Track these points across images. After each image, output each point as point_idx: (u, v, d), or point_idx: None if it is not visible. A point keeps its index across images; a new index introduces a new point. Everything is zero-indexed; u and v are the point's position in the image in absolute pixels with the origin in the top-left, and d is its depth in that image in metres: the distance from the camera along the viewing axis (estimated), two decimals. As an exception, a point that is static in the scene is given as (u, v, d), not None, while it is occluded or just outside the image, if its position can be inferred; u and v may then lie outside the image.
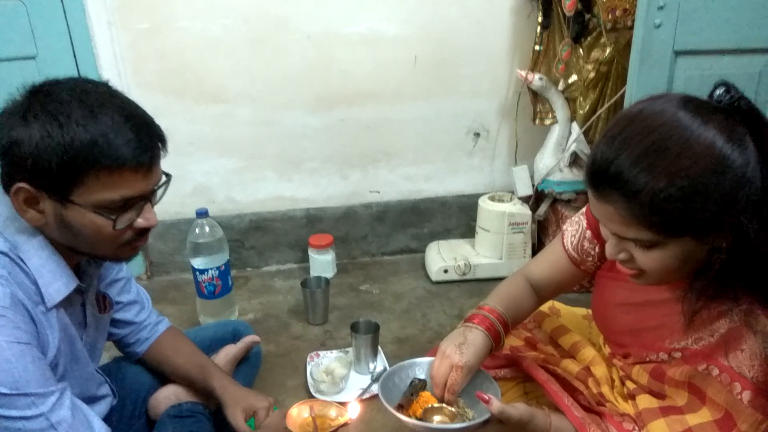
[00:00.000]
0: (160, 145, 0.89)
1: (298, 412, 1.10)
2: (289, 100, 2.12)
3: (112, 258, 0.95)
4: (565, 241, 1.09)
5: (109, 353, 1.34)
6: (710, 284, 0.81)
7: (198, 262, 1.78)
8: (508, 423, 0.93)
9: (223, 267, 1.80)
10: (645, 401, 0.94)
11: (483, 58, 2.16)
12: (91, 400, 1.02)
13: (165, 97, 2.03)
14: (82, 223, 0.85)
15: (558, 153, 2.12)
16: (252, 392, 1.20)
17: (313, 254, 2.16)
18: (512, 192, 2.24)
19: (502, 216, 2.08)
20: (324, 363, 1.59)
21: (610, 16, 1.83)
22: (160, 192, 0.93)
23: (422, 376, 1.08)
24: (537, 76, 2.03)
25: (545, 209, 2.17)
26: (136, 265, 2.20)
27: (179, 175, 2.09)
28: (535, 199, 2.21)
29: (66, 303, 0.91)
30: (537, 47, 2.06)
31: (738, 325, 0.82)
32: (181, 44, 1.99)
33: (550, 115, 2.12)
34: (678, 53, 1.58)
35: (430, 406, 1.03)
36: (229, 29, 2.00)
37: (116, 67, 1.97)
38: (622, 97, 1.80)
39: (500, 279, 1.18)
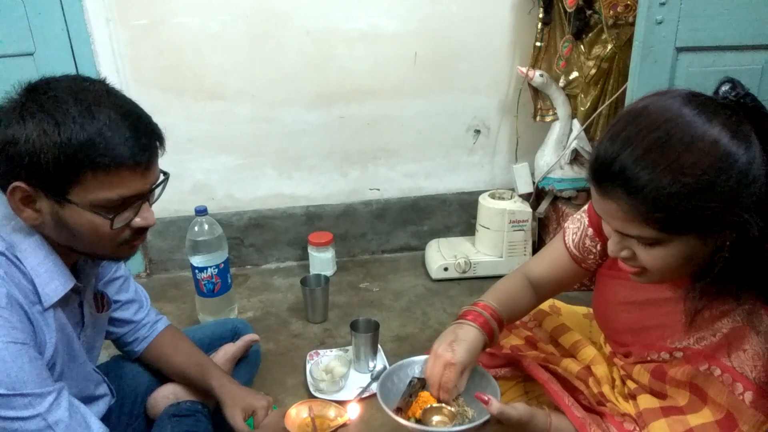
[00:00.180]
0: (157, 143, 0.88)
1: (297, 413, 1.09)
2: (289, 97, 2.11)
3: (109, 257, 0.94)
4: (566, 238, 1.08)
5: (107, 352, 1.33)
6: (713, 283, 0.81)
7: (197, 260, 1.77)
8: (507, 423, 0.92)
9: (223, 265, 1.79)
10: (646, 401, 0.94)
11: (483, 54, 2.15)
12: (89, 399, 1.02)
13: (164, 94, 2.03)
14: (80, 223, 0.84)
15: (559, 150, 2.11)
16: (251, 391, 1.19)
17: (312, 252, 2.15)
18: (513, 189, 2.23)
19: (502, 213, 2.07)
20: (323, 361, 1.58)
21: (611, 12, 1.82)
22: (158, 191, 0.92)
23: (421, 375, 1.08)
24: (538, 72, 2.02)
25: (546, 207, 2.17)
26: (135, 263, 2.19)
27: (178, 172, 2.09)
28: (535, 197, 2.20)
29: (63, 302, 0.90)
30: (538, 43, 2.05)
31: (740, 324, 0.82)
32: (179, 41, 1.98)
33: (551, 112, 2.11)
34: (680, 49, 1.57)
35: (429, 406, 1.02)
36: (228, 25, 1.99)
37: (114, 63, 1.96)
38: (624, 93, 1.79)
39: (500, 277, 1.17)
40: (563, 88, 2.07)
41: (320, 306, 1.88)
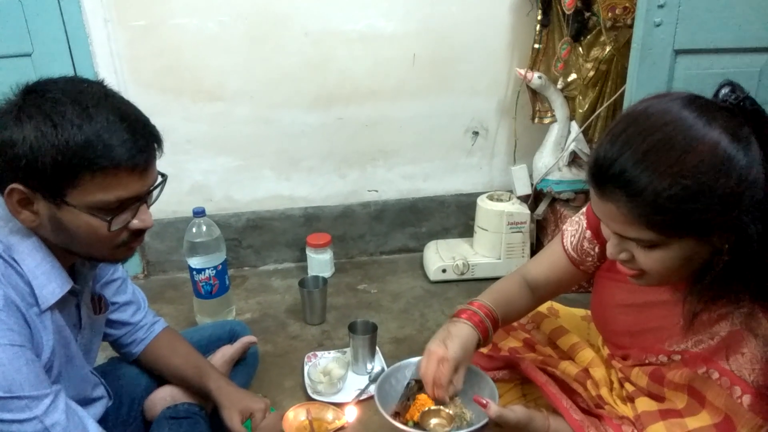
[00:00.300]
0: (155, 145, 0.88)
1: (295, 415, 1.09)
2: (287, 98, 2.11)
3: (107, 259, 0.94)
4: (564, 241, 1.08)
5: (104, 354, 1.33)
6: (711, 286, 0.81)
7: (195, 262, 1.77)
8: (506, 426, 0.92)
9: (221, 266, 1.79)
10: (644, 404, 0.94)
11: (482, 56, 2.15)
12: (86, 401, 1.02)
13: (162, 95, 2.02)
14: (77, 225, 0.84)
15: (557, 152, 2.11)
16: (249, 394, 1.19)
17: (310, 253, 2.15)
18: (511, 191, 2.23)
19: (500, 215, 2.07)
20: (321, 363, 1.58)
21: (609, 15, 1.82)
22: (155, 193, 0.92)
23: (418, 377, 1.08)
24: (536, 74, 2.02)
25: (544, 208, 2.17)
26: (132, 265, 2.19)
27: (176, 173, 2.09)
28: (533, 199, 2.20)
29: (60, 304, 0.90)
30: (536, 45, 2.05)
31: (739, 328, 0.81)
32: (178, 42, 1.97)
33: (549, 114, 2.11)
34: (678, 52, 1.57)
35: (427, 409, 1.02)
36: (227, 26, 1.98)
37: (113, 64, 1.96)
38: (622, 95, 1.79)
39: (499, 278, 1.17)
40: (561, 90, 2.07)
41: (318, 308, 1.88)
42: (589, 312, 1.23)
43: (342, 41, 2.05)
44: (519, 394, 1.14)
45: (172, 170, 0.95)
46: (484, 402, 0.93)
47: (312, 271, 2.14)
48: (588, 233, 1.04)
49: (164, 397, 1.18)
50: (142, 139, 0.84)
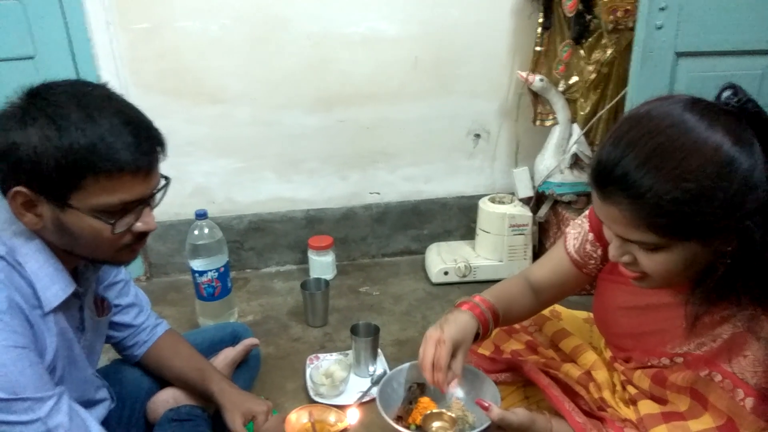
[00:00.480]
0: (159, 148, 0.88)
1: (297, 418, 1.09)
2: (289, 101, 2.11)
3: (110, 262, 0.94)
4: (567, 243, 1.08)
5: (107, 356, 1.33)
6: (714, 289, 0.81)
7: (197, 264, 1.77)
8: (508, 429, 0.92)
9: (223, 269, 1.79)
10: (646, 407, 0.94)
11: (483, 58, 2.15)
12: (89, 403, 1.02)
13: (164, 97, 2.03)
14: (81, 227, 0.84)
15: (559, 154, 2.11)
16: (251, 396, 1.19)
17: (312, 256, 2.15)
18: (513, 193, 2.23)
19: (502, 218, 2.07)
20: (323, 366, 1.58)
21: (611, 17, 1.82)
22: (158, 195, 0.92)
23: (420, 380, 1.08)
24: (538, 77, 2.02)
25: (546, 211, 2.17)
26: (135, 267, 2.19)
27: (178, 176, 2.08)
28: (535, 201, 2.20)
29: (64, 306, 0.90)
30: (538, 48, 2.05)
31: (741, 330, 0.81)
32: (179, 44, 1.98)
33: (551, 117, 2.11)
34: (679, 54, 1.57)
35: (429, 412, 1.02)
36: (228, 29, 1.99)
37: (115, 67, 1.96)
38: (624, 98, 1.79)
39: (500, 281, 1.17)
40: (563, 93, 2.07)
41: (320, 310, 1.88)
42: (591, 315, 1.22)
43: (343, 44, 2.06)
44: (521, 397, 1.14)
45: (173, 172, 0.95)
46: (487, 405, 0.93)
47: (314, 274, 2.14)
48: (590, 236, 1.04)
49: (166, 399, 1.19)
50: (145, 142, 0.84)
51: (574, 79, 2.02)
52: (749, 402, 0.79)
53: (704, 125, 0.74)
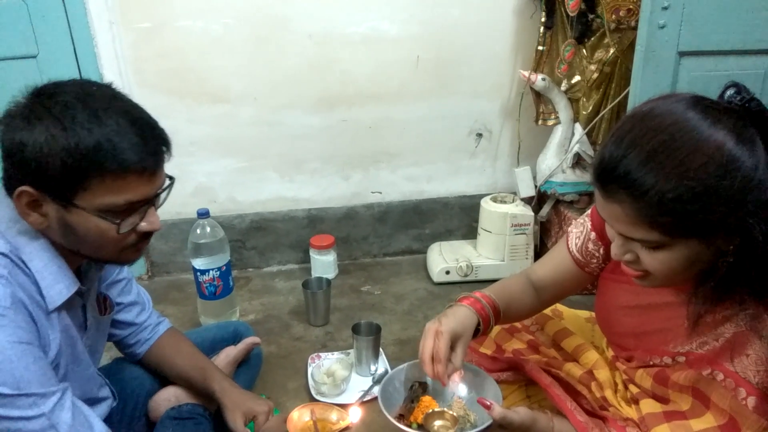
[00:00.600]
0: (164, 149, 0.88)
1: (299, 416, 1.09)
2: (291, 101, 2.11)
3: (115, 261, 0.95)
4: (569, 242, 1.08)
5: (109, 354, 1.33)
6: (716, 287, 0.81)
7: (199, 263, 1.77)
8: (510, 428, 0.92)
9: (224, 267, 1.79)
10: (648, 406, 0.94)
11: (485, 58, 2.15)
12: (91, 402, 1.02)
13: (166, 97, 2.03)
14: (86, 227, 0.84)
15: (561, 154, 2.11)
16: (252, 396, 1.19)
17: (314, 255, 2.15)
18: (514, 193, 2.23)
19: (504, 217, 2.07)
20: (325, 365, 1.58)
21: (613, 17, 1.83)
22: (163, 195, 0.92)
23: (422, 379, 1.08)
24: (540, 76, 2.02)
25: (548, 210, 2.16)
26: (136, 266, 2.19)
27: (180, 175, 2.06)
28: (537, 201, 2.20)
29: (67, 305, 0.90)
30: (540, 47, 2.05)
31: (743, 329, 0.81)
32: (182, 44, 1.98)
33: (553, 116, 2.11)
34: (682, 54, 1.57)
35: (431, 411, 1.02)
36: (231, 29, 1.99)
37: (117, 66, 1.97)
38: (626, 97, 1.79)
39: (502, 279, 1.17)
40: (565, 92, 2.07)
41: (322, 309, 1.88)
42: (593, 314, 1.22)
43: (345, 44, 2.06)
44: (523, 396, 1.14)
45: (176, 172, 0.95)
46: (488, 404, 0.93)
47: (315, 273, 2.15)
48: (593, 235, 1.04)
49: (168, 397, 1.19)
50: (151, 142, 0.85)
51: (577, 78, 2.02)
52: (751, 401, 0.79)
53: (707, 123, 0.74)
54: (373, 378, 1.55)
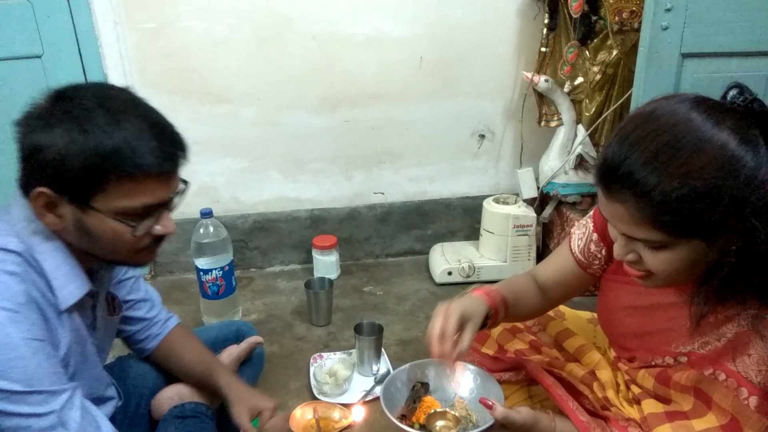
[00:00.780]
0: (181, 153, 0.89)
1: (302, 414, 1.09)
2: (294, 101, 2.12)
3: (128, 263, 0.95)
4: (572, 244, 1.08)
5: (112, 353, 1.33)
6: (718, 288, 0.81)
7: (202, 263, 1.78)
8: (512, 428, 0.92)
9: (227, 267, 1.80)
10: (650, 406, 0.94)
11: (488, 59, 2.15)
12: (98, 401, 1.02)
13: (170, 97, 2.04)
14: (102, 230, 0.85)
15: (563, 155, 2.11)
16: (258, 392, 1.19)
17: (316, 255, 2.15)
18: (517, 194, 2.23)
19: (506, 218, 2.07)
20: (327, 364, 1.58)
21: (616, 18, 1.83)
22: (177, 199, 0.93)
23: (424, 379, 1.08)
24: (543, 77, 2.02)
25: (550, 212, 2.17)
26: (140, 265, 2.20)
27: (184, 175, 2.09)
28: (540, 202, 2.20)
29: (78, 305, 0.91)
30: (543, 49, 2.05)
31: (745, 329, 0.81)
32: (186, 44, 1.99)
33: (556, 117, 2.11)
34: (685, 55, 1.56)
35: (433, 411, 1.02)
36: (235, 29, 2.00)
37: (122, 66, 1.97)
38: (629, 99, 1.79)
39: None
40: (568, 94, 2.07)
41: (324, 309, 1.88)
42: (595, 315, 1.22)
43: (349, 44, 2.06)
44: (525, 396, 1.14)
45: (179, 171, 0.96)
46: (490, 403, 0.93)
47: (318, 273, 2.15)
48: (595, 236, 1.05)
49: (171, 396, 1.19)
50: (169, 146, 0.85)
51: (580, 80, 2.02)
52: (753, 401, 0.79)
53: (710, 124, 0.74)
54: (375, 378, 1.55)
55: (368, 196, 2.30)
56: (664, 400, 0.93)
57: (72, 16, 1.86)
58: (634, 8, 1.80)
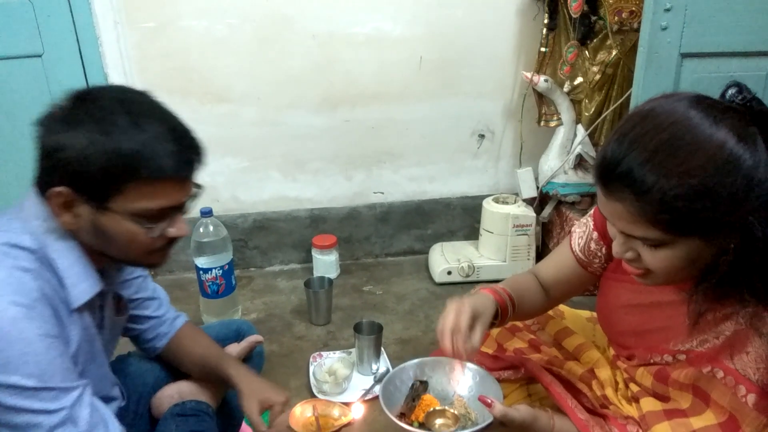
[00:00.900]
0: (198, 157, 0.90)
1: (302, 411, 1.09)
2: (294, 101, 2.12)
3: (141, 264, 0.97)
4: (572, 243, 1.09)
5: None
6: (717, 286, 0.81)
7: (202, 262, 1.78)
8: (510, 426, 0.92)
9: (227, 266, 1.80)
10: (649, 404, 0.94)
11: (488, 59, 2.15)
12: (104, 400, 1.03)
13: (170, 96, 2.01)
14: (117, 230, 0.86)
15: (563, 155, 2.11)
16: (270, 385, 1.18)
17: (316, 254, 2.16)
18: (516, 194, 2.23)
19: (506, 218, 2.08)
20: (327, 363, 1.59)
21: (616, 18, 1.83)
22: (191, 202, 0.94)
23: (423, 378, 1.08)
24: (542, 77, 2.02)
25: (549, 211, 2.17)
26: (139, 264, 2.20)
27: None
28: (539, 201, 2.20)
29: (87, 304, 0.92)
30: (543, 49, 2.06)
31: (744, 327, 0.82)
32: (186, 44, 1.99)
33: (555, 117, 2.12)
34: (684, 55, 1.57)
35: (432, 409, 1.02)
36: (235, 29, 2.00)
37: (122, 65, 1.98)
38: (628, 99, 1.80)
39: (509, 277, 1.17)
40: (568, 94, 2.07)
41: (324, 308, 1.88)
42: (594, 314, 1.23)
43: (349, 44, 2.07)
44: (524, 394, 1.14)
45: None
46: (489, 401, 0.93)
47: (317, 272, 2.15)
48: (595, 234, 1.05)
49: (171, 394, 1.19)
50: (188, 151, 0.87)
51: (579, 79, 2.03)
52: (751, 398, 0.79)
53: (709, 122, 0.74)
54: (375, 377, 1.56)
55: (368, 195, 2.30)
56: (663, 398, 0.93)
57: (72, 16, 1.86)
58: (633, 8, 1.80)
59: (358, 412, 1.11)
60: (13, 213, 0.88)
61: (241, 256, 2.26)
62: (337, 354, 1.67)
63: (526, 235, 2.10)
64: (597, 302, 1.10)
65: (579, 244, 1.07)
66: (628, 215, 0.77)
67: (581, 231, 1.08)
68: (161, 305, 1.21)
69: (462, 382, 1.07)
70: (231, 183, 2.21)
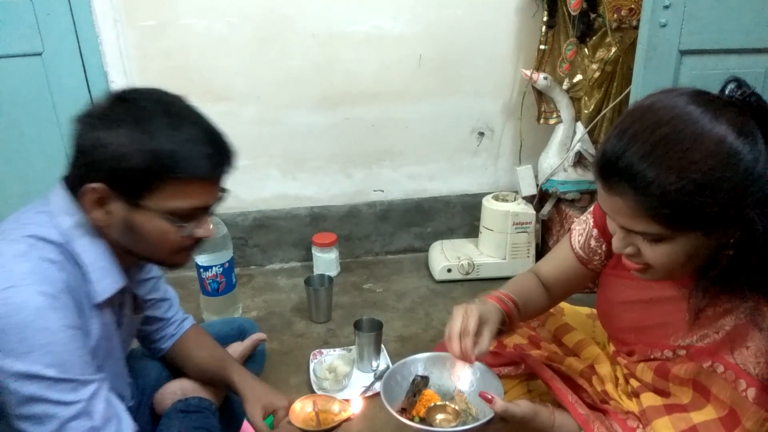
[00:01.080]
0: (231, 161, 0.93)
1: (302, 407, 1.09)
2: (294, 99, 2.12)
3: (165, 263, 0.97)
4: (572, 240, 1.09)
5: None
6: (716, 280, 0.81)
7: (202, 260, 1.78)
8: (511, 421, 0.93)
9: (227, 264, 1.80)
10: (649, 399, 0.94)
11: (488, 57, 2.16)
12: (119, 397, 1.03)
13: (170, 95, 2.04)
14: (148, 228, 0.87)
15: (562, 152, 2.12)
16: (273, 390, 1.19)
17: (316, 252, 2.16)
18: (516, 192, 2.24)
19: (505, 215, 2.08)
20: (327, 361, 1.59)
21: (615, 16, 1.83)
22: (216, 205, 0.96)
23: (424, 373, 1.08)
24: (542, 75, 2.03)
25: (549, 209, 2.17)
26: (140, 263, 2.20)
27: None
28: (539, 199, 2.21)
29: (108, 301, 0.92)
30: (542, 46, 2.06)
31: (744, 322, 0.82)
32: (186, 42, 1.99)
33: (555, 115, 2.12)
34: (683, 53, 1.57)
35: (433, 404, 1.02)
36: (235, 28, 2.00)
37: (122, 64, 1.98)
38: (627, 96, 1.80)
39: (504, 279, 1.18)
40: (567, 91, 2.07)
41: (324, 306, 1.89)
42: (594, 310, 1.23)
43: (348, 43, 2.07)
44: (524, 390, 1.14)
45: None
46: (490, 397, 0.94)
47: (317, 270, 2.16)
48: (595, 231, 1.05)
49: (174, 391, 1.19)
50: (222, 153, 0.90)
51: (578, 77, 2.03)
52: (751, 392, 0.79)
53: (708, 117, 0.74)
54: (375, 374, 1.56)
55: (368, 193, 2.31)
56: (663, 393, 0.93)
57: (72, 14, 1.86)
58: (632, 5, 1.81)
59: (357, 407, 1.11)
60: (39, 206, 0.89)
61: (242, 254, 2.26)
62: (338, 351, 1.68)
63: (526, 232, 2.10)
64: (597, 298, 1.11)
65: (579, 242, 1.08)
66: (629, 210, 0.78)
67: (581, 228, 1.08)
68: (171, 306, 1.22)
69: (463, 377, 1.08)
70: (231, 181, 2.18)
